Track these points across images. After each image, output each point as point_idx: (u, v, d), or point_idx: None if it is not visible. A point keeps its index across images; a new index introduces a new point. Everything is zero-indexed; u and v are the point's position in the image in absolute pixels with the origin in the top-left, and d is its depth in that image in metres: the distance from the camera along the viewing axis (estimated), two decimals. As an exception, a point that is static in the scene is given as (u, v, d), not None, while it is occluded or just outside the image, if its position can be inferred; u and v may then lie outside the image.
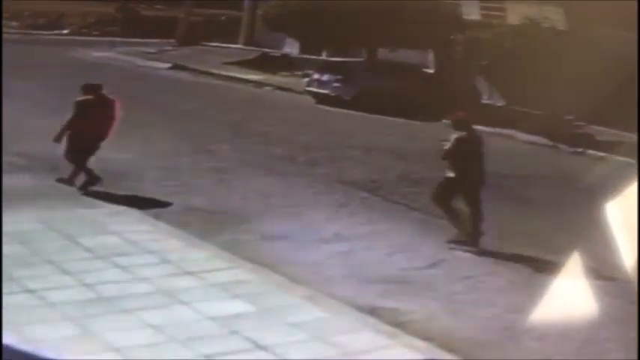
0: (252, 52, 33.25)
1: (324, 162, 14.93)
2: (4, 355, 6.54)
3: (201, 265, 8.71)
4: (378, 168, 14.65)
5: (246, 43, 36.86)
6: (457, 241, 10.10)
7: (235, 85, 26.23)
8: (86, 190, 11.52)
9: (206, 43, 36.93)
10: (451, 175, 10.09)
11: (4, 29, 40.92)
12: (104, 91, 11.88)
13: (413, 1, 24.86)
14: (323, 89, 23.42)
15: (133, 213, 10.64)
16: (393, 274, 8.97)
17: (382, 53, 26.72)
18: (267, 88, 26.13)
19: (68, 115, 11.59)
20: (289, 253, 9.54)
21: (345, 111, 21.83)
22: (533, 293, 8.46)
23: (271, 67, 29.93)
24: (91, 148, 11.76)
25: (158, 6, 49.41)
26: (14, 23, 43.06)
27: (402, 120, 20.78)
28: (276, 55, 32.53)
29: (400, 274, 8.96)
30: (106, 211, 10.63)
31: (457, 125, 10.29)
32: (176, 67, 29.39)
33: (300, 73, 28.47)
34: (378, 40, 25.89)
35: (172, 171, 13.37)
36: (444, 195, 10.24)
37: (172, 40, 37.58)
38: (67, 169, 12.85)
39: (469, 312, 8.05)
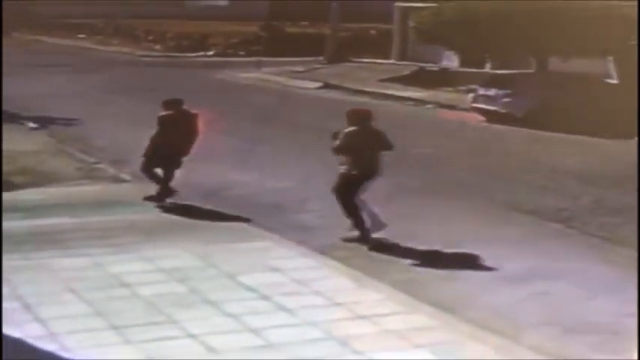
0: (408, 67, 32.94)
1: (499, 187, 14.30)
2: None
3: (374, 308, 8.34)
4: (565, 194, 13.85)
5: (399, 58, 36.60)
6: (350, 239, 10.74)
7: (393, 103, 25.94)
8: (160, 201, 12.18)
9: (357, 60, 36.92)
10: (344, 169, 10.89)
11: (149, 52, 42.70)
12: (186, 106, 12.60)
13: (584, 1, 23.85)
14: (491, 105, 22.74)
15: (296, 247, 10.44)
16: (603, 321, 8.26)
17: (553, 63, 25.76)
18: (428, 106, 25.69)
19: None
20: (473, 294, 9.05)
21: (519, 129, 21.06)
22: None
23: (430, 83, 29.48)
24: (172, 162, 12.42)
25: (303, 23, 50.10)
26: (158, 46, 44.72)
27: (586, 138, 19.78)
28: (434, 69, 32.08)
29: (612, 322, 8.23)
30: (266, 245, 10.49)
31: (350, 120, 10.95)
32: (327, 86, 29.44)
33: (463, 88, 27.87)
34: (547, 48, 24.98)
35: (334, 200, 13.09)
36: (343, 191, 10.89)
37: (321, 58, 37.82)
38: (221, 196, 12.94)
39: None
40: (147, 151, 12.47)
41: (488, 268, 9.93)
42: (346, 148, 10.86)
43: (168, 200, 12.40)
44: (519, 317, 8.38)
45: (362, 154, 10.83)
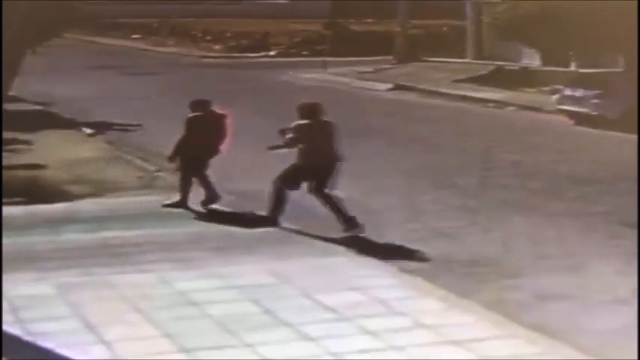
0: (485, 67, 32.53)
1: (599, 198, 13.84)
2: None
3: (467, 332, 8.03)
4: (673, 206, 13.36)
5: (475, 56, 36.19)
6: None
7: (470, 105, 25.59)
8: (207, 207, 12.49)
9: (428, 59, 36.58)
10: (297, 162, 11.64)
11: (208, 53, 42.94)
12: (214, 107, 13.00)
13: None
14: (579, 107, 22.23)
15: (376, 263, 10.21)
16: None
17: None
18: (510, 108, 25.25)
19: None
20: (576, 317, 8.67)
21: (612, 133, 20.51)
22: None
23: (510, 83, 29.01)
24: (203, 163, 12.75)
25: (369, 20, 49.97)
26: (217, 47, 44.96)
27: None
28: (513, 68, 31.59)
29: None
30: (343, 260, 10.27)
31: (301, 113, 11.72)
32: (398, 87, 29.19)
33: (546, 88, 27.35)
34: (637, 45, 24.33)
35: (412, 211, 12.89)
36: (285, 178, 11.74)
37: (389, 57, 37.57)
38: (291, 209, 12.78)
39: None
40: (172, 154, 12.79)
41: (595, 288, 9.54)
42: (297, 141, 11.59)
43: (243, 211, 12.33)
44: (631, 344, 7.98)
45: (315, 146, 11.59)
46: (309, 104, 11.98)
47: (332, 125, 11.93)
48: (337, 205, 11.61)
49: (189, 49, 44.19)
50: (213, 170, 13.18)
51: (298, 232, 11.47)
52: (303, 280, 9.44)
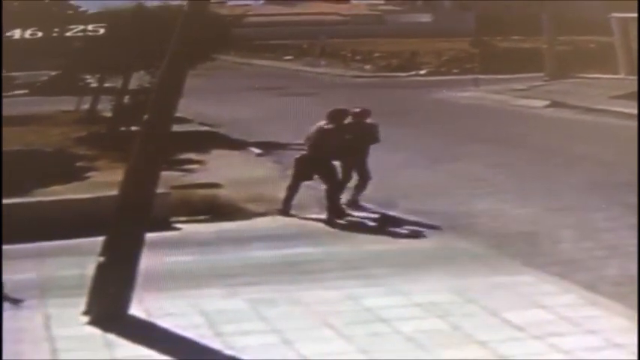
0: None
1: None
2: None
3: (660, 352, 7.80)
4: None
5: (628, 72, 35.05)
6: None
7: (630, 122, 24.80)
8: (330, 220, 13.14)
9: (581, 75, 35.73)
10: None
11: (360, 73, 43.24)
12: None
13: None
14: None
15: (558, 282, 10.03)
16: None
17: None
18: (673, 124, 24.35)
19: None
20: None
21: None
22: None
23: (669, 99, 27.95)
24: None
25: (515, 37, 49.22)
26: (367, 66, 45.20)
27: None
28: (671, 84, 30.43)
29: None
30: (523, 279, 10.14)
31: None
32: (555, 104, 28.63)
33: None
34: None
35: (586, 229, 12.58)
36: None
37: (540, 74, 36.88)
38: (463, 225, 12.74)
39: None
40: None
41: None
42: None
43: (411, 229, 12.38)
44: None
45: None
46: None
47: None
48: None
49: (341, 70, 44.52)
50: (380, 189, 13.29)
51: (474, 249, 11.42)
52: (486, 297, 9.38)
